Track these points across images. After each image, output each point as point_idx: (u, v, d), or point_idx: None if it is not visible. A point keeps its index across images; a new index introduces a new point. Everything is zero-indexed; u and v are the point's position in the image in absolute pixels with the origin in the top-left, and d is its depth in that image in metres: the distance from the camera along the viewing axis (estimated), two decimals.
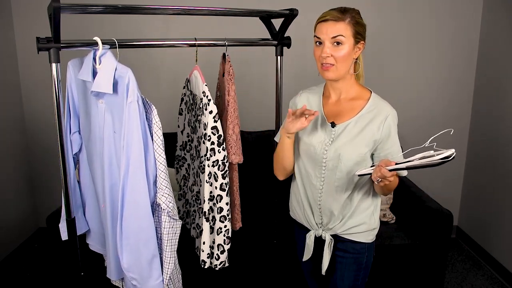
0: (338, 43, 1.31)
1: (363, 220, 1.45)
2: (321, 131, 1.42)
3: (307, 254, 1.53)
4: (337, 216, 1.44)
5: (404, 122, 3.03)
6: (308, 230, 1.53)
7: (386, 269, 2.33)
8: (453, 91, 3.05)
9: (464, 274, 2.73)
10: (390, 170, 1.21)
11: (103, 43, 1.34)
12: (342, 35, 1.30)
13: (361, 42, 1.36)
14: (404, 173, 1.40)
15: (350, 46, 1.33)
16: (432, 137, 1.17)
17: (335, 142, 1.39)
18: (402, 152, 1.34)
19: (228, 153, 1.64)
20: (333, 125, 1.40)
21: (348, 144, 1.37)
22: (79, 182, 1.61)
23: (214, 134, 1.53)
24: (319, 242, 1.51)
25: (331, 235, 1.47)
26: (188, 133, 1.84)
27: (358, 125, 1.38)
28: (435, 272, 2.33)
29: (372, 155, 1.41)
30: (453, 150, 1.10)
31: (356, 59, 1.38)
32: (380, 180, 1.24)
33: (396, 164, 1.20)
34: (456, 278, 2.68)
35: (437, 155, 1.11)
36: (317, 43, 1.35)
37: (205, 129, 1.57)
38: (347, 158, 1.37)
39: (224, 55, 1.77)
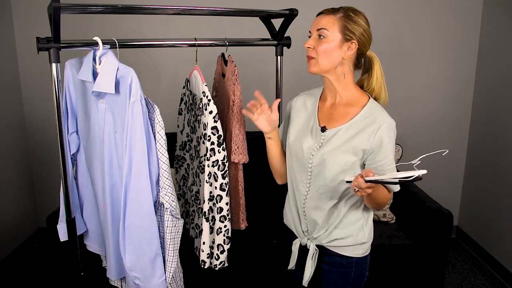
0: (321, 36, 1.29)
1: (350, 233, 1.38)
2: (311, 135, 1.38)
3: (292, 262, 1.49)
4: (321, 225, 1.39)
5: (403, 123, 3.05)
6: (296, 237, 1.50)
7: (386, 269, 2.33)
8: (453, 91, 3.05)
9: (464, 274, 2.73)
10: (367, 181, 1.13)
11: (103, 43, 1.34)
12: (325, 28, 1.28)
13: (352, 41, 1.29)
14: (396, 188, 1.35)
15: (335, 41, 1.28)
16: (423, 156, 1.13)
17: (323, 147, 1.34)
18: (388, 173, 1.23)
19: (234, 153, 1.64)
20: (323, 129, 1.35)
21: (335, 151, 1.31)
22: (76, 182, 1.61)
23: (214, 134, 1.53)
24: (306, 252, 1.45)
25: (316, 246, 1.42)
26: (187, 133, 1.84)
27: (349, 132, 1.31)
28: (435, 272, 2.33)
29: (364, 166, 1.34)
30: (424, 171, 1.09)
31: (360, 60, 1.34)
32: (357, 189, 1.17)
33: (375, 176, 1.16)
34: (456, 278, 2.68)
35: (408, 174, 1.11)
36: (308, 37, 1.35)
37: (204, 129, 1.57)
38: (332, 165, 1.31)
39: (223, 55, 1.77)
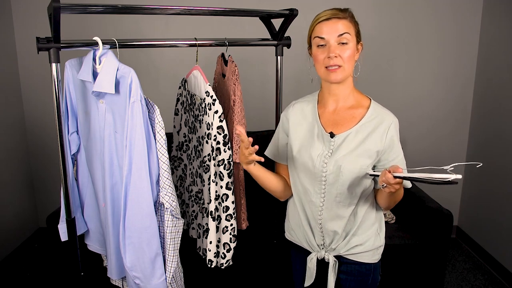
0: (343, 42, 1.24)
1: (368, 238, 1.35)
2: (319, 143, 1.32)
3: (309, 279, 1.41)
4: (340, 235, 1.34)
5: (403, 123, 3.04)
6: (308, 253, 1.43)
7: (385, 269, 2.32)
8: (453, 91, 3.05)
9: (464, 274, 2.73)
10: (395, 177, 1.12)
11: (103, 43, 1.34)
12: (348, 33, 1.24)
13: (360, 42, 1.30)
14: (409, 185, 1.35)
15: (354, 45, 1.26)
16: (457, 164, 1.10)
17: (334, 153, 1.29)
18: (418, 168, 1.19)
19: (235, 153, 1.64)
20: (331, 135, 1.30)
21: (349, 156, 1.28)
22: (77, 182, 1.61)
23: (220, 134, 1.53)
24: (321, 264, 1.40)
25: (334, 256, 1.37)
26: (184, 134, 1.83)
27: (360, 135, 1.29)
28: (435, 272, 2.33)
29: (374, 167, 1.32)
30: (460, 176, 1.07)
31: (356, 60, 1.31)
32: (384, 185, 1.16)
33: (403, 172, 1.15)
34: (456, 278, 2.68)
35: (444, 176, 1.08)
36: (319, 45, 1.27)
37: (208, 129, 1.57)
38: (348, 171, 1.27)
39: (222, 55, 1.77)
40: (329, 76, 1.27)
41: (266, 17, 1.74)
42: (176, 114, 1.86)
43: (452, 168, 1.07)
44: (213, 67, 1.85)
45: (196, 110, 1.68)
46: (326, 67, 1.26)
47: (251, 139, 1.24)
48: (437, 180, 1.07)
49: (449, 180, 1.06)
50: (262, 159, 1.30)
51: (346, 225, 1.34)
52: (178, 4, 1.53)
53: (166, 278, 1.46)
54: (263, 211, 2.29)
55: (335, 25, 1.24)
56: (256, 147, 1.25)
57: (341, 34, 1.24)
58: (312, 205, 1.35)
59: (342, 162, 1.28)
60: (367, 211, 1.36)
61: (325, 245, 1.38)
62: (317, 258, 1.40)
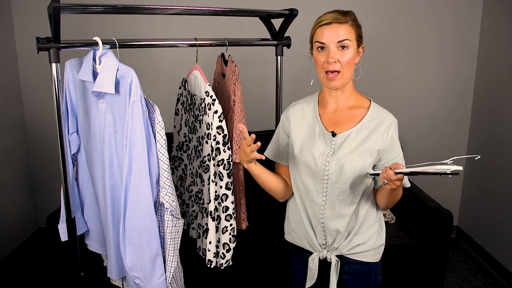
0: (343, 47, 1.24)
1: (369, 236, 1.37)
2: (321, 142, 1.33)
3: (311, 280, 1.41)
4: (343, 234, 1.35)
5: (403, 123, 3.05)
6: (309, 253, 1.43)
7: (386, 269, 2.32)
8: (453, 91, 3.05)
9: (464, 274, 2.73)
10: (397, 173, 1.14)
11: (103, 43, 1.34)
12: (348, 39, 1.24)
13: (362, 45, 1.31)
14: (408, 184, 1.37)
15: (354, 50, 1.27)
16: (456, 157, 1.12)
17: (336, 152, 1.31)
18: (418, 164, 1.19)
19: (235, 153, 1.64)
20: (333, 134, 1.32)
21: (350, 155, 1.29)
22: (77, 182, 1.61)
23: (220, 134, 1.53)
24: (322, 265, 1.40)
25: (336, 256, 1.38)
26: (185, 134, 1.83)
27: (360, 134, 1.31)
28: (435, 272, 2.33)
29: (374, 166, 1.33)
30: (461, 168, 1.08)
31: (356, 63, 1.31)
32: (386, 182, 1.17)
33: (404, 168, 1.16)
34: (456, 278, 2.68)
35: (445, 167, 1.09)
36: (319, 48, 1.27)
37: (208, 129, 1.57)
38: (350, 169, 1.29)
39: (222, 55, 1.77)
40: (328, 83, 1.29)
41: (266, 17, 1.74)
42: (176, 114, 1.86)
43: (452, 162, 1.09)
44: (213, 67, 1.85)
45: (196, 110, 1.68)
46: (326, 73, 1.27)
47: (253, 136, 1.25)
48: (439, 171, 1.09)
49: (450, 172, 1.07)
50: (264, 157, 1.31)
51: (348, 224, 1.35)
52: (178, 4, 1.53)
53: (166, 278, 1.46)
54: (263, 211, 2.28)
55: (336, 30, 1.24)
56: (259, 143, 1.25)
57: (341, 40, 1.24)
58: (314, 204, 1.36)
59: (345, 161, 1.30)
60: (368, 209, 1.37)
61: (327, 244, 1.39)
62: (319, 258, 1.41)
